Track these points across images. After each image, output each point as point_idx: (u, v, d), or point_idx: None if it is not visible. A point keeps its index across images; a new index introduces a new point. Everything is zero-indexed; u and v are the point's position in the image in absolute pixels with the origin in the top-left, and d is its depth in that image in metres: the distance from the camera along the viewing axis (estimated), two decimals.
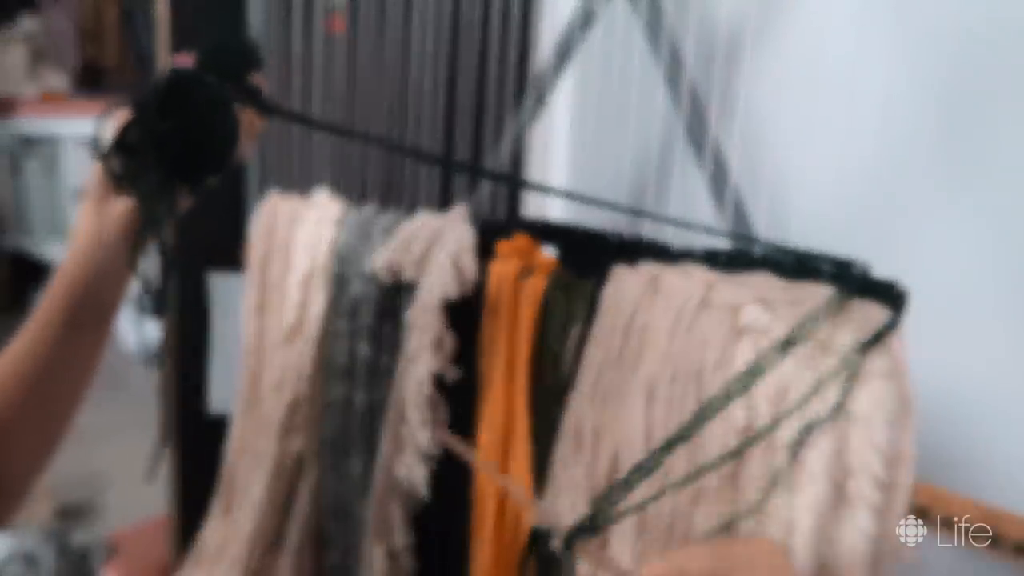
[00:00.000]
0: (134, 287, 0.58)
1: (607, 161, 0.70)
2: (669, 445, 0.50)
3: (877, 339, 0.50)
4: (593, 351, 0.64)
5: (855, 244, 0.53)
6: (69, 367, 0.56)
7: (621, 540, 0.61)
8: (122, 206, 0.55)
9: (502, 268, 0.74)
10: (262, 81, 0.61)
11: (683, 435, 0.51)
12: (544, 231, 0.73)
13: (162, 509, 1.28)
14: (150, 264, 0.56)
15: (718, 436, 0.55)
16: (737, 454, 0.54)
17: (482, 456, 0.77)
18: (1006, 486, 0.68)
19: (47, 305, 0.54)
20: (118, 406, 2.38)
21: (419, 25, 0.85)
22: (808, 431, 0.51)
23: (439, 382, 0.77)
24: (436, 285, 0.75)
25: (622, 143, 0.68)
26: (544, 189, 0.61)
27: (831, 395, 0.51)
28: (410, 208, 0.91)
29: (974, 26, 0.70)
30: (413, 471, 0.80)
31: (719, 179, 0.70)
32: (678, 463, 0.57)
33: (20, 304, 3.32)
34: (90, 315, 0.56)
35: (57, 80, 2.91)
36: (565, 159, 0.78)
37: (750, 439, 0.53)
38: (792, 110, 0.70)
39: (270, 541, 1.00)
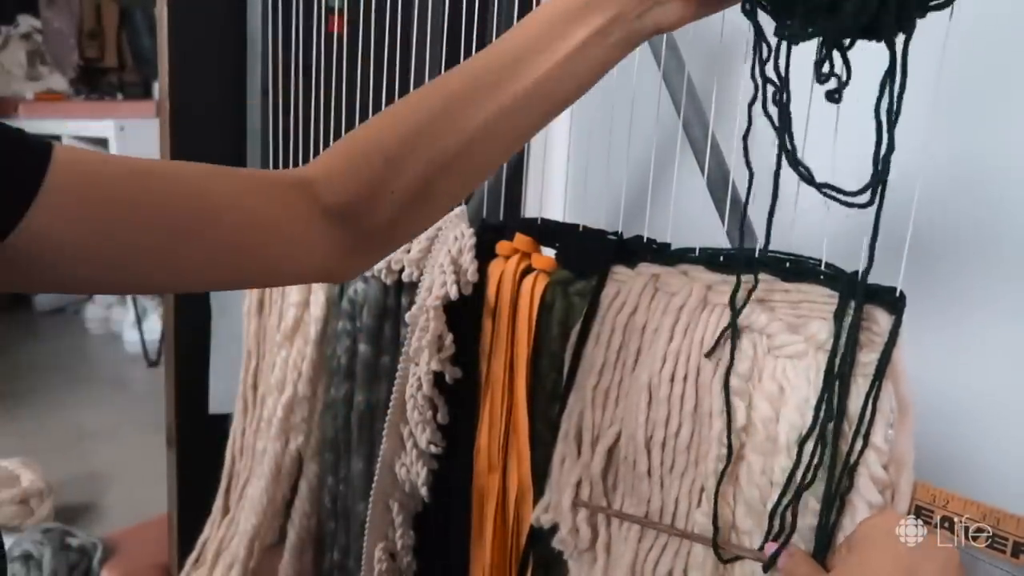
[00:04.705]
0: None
1: (606, 161, 0.70)
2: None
3: (881, 342, 0.50)
4: (593, 351, 0.64)
5: (854, 244, 0.53)
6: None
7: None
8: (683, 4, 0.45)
9: (502, 268, 0.74)
10: None
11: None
12: (544, 231, 0.73)
13: (162, 509, 1.27)
14: None
15: (717, 436, 0.55)
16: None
17: (482, 456, 0.77)
18: (1006, 486, 0.68)
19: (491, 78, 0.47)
20: (118, 406, 2.38)
21: (418, 25, 0.85)
22: (807, 431, 0.51)
23: (439, 382, 0.77)
24: (436, 285, 0.75)
25: (621, 143, 0.68)
26: None
27: (832, 396, 0.51)
28: None
29: (974, 23, 0.70)
30: (413, 471, 0.80)
31: (718, 179, 0.70)
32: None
33: (20, 304, 3.32)
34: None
35: (57, 80, 2.91)
36: (564, 159, 0.78)
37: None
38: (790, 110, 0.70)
39: (270, 541, 1.00)
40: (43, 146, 0.39)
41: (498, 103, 0.47)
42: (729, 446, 0.54)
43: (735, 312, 0.53)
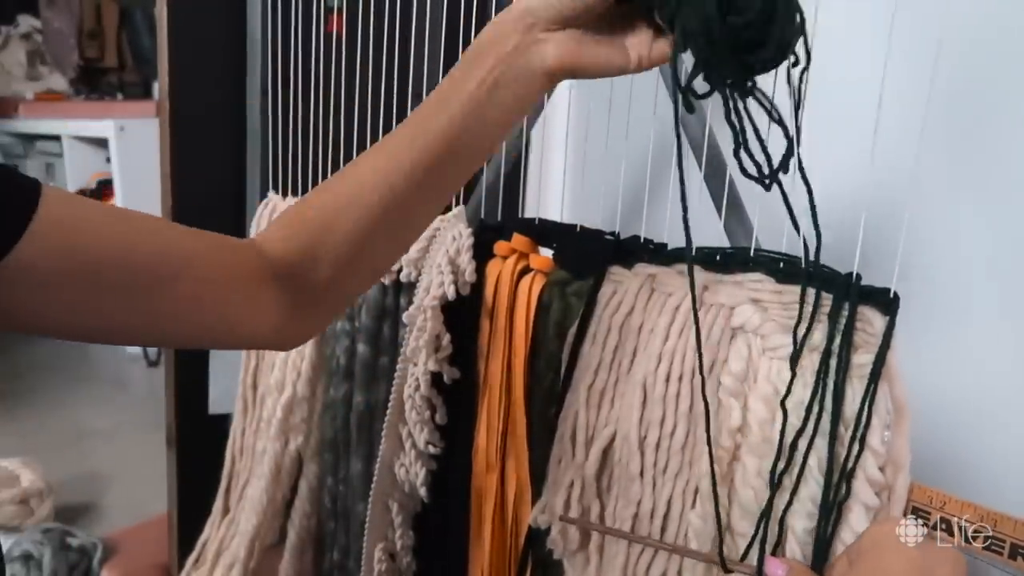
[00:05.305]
0: None
1: (606, 160, 0.70)
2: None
3: (875, 343, 0.50)
4: (589, 351, 0.64)
5: (853, 245, 0.53)
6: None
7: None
8: (561, 46, 0.47)
9: (500, 269, 0.74)
10: None
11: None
12: (541, 232, 0.73)
13: (162, 509, 1.28)
14: None
15: (713, 437, 0.55)
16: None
17: (481, 456, 0.77)
18: (1003, 488, 0.68)
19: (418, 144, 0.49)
20: (118, 406, 2.38)
21: (417, 24, 0.85)
22: (803, 433, 0.51)
23: (437, 383, 0.77)
24: (434, 286, 0.75)
25: (620, 143, 0.68)
26: None
27: (826, 397, 0.51)
28: None
29: (974, 23, 0.70)
30: (412, 471, 0.80)
31: (716, 179, 0.70)
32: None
33: None
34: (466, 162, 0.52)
35: (57, 80, 2.91)
36: (562, 159, 0.78)
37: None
38: (788, 108, 0.70)
39: (270, 541, 1.00)
40: (33, 183, 0.40)
41: (416, 158, 0.49)
42: (710, 448, 0.54)
43: (696, 310, 0.52)
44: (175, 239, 0.47)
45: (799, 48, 0.46)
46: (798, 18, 0.44)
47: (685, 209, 0.48)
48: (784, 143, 0.50)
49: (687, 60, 0.46)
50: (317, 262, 0.50)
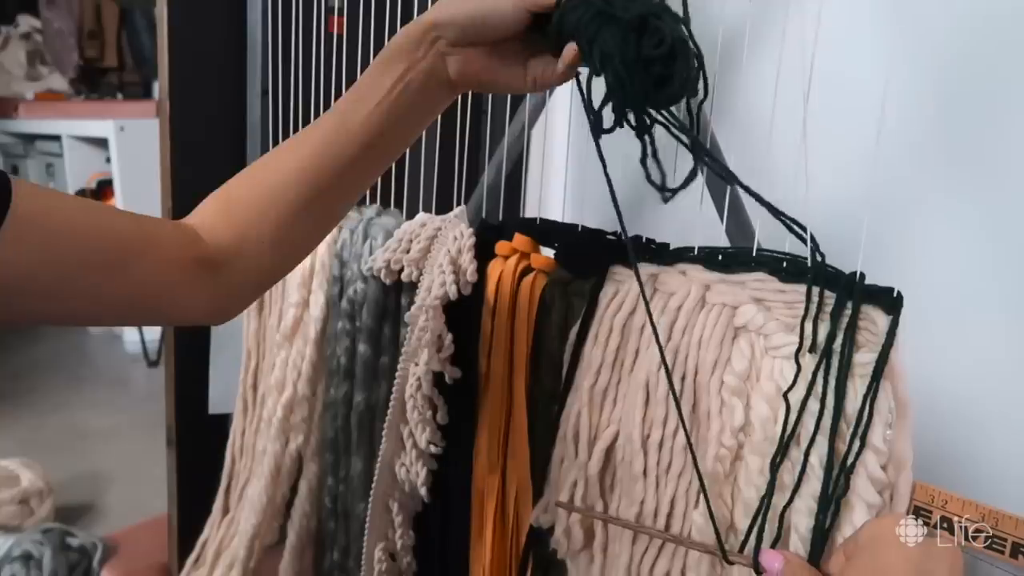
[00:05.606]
0: None
1: (607, 159, 0.70)
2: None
3: (878, 342, 0.50)
4: (591, 351, 0.64)
5: (853, 244, 0.53)
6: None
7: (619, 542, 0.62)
8: (463, 62, 0.52)
9: (501, 268, 0.74)
10: None
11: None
12: (543, 231, 0.73)
13: (162, 509, 1.28)
14: None
15: (716, 436, 0.55)
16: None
17: (482, 456, 0.77)
18: (1004, 487, 0.68)
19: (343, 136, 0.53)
20: (118, 406, 2.38)
21: None
22: (805, 432, 0.51)
23: (439, 382, 0.77)
24: (436, 285, 0.75)
25: (623, 141, 0.68)
26: None
27: (828, 396, 0.51)
28: (410, 209, 0.91)
29: (974, 24, 0.70)
30: (413, 471, 0.80)
31: (718, 183, 0.70)
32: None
33: None
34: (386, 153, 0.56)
35: (57, 80, 2.91)
36: (564, 159, 0.78)
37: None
38: (790, 109, 0.70)
39: (270, 541, 1.00)
40: (3, 178, 0.41)
41: (337, 151, 0.53)
42: (691, 449, 0.54)
43: (648, 305, 0.53)
44: (131, 225, 0.49)
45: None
46: (695, 61, 0.48)
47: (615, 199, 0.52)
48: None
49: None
50: (249, 248, 0.53)
